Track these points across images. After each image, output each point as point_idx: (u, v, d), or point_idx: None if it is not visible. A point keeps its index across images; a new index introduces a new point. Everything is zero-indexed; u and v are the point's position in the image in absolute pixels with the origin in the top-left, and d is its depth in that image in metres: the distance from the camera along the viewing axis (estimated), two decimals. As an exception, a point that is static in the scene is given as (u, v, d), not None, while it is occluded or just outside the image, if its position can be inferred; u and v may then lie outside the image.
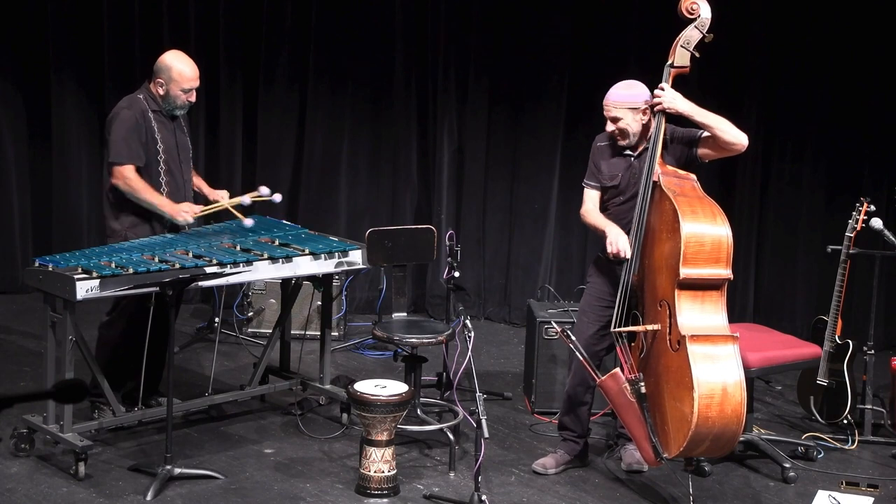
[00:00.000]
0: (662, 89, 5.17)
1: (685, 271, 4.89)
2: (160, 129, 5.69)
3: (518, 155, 8.10)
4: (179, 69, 5.68)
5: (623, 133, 5.29)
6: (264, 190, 5.97)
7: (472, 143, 8.12)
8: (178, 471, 5.19)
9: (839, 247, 6.06)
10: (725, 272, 4.96)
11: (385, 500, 5.17)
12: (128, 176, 5.54)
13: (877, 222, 5.97)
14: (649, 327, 5.06)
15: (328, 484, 5.31)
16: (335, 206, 8.17)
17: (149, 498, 5.04)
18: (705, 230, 4.92)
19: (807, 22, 7.61)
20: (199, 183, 6.02)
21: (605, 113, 5.31)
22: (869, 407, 6.07)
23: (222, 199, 5.89)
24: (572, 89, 7.94)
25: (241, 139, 8.14)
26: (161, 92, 5.68)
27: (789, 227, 7.89)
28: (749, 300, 7.90)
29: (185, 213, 5.62)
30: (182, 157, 5.80)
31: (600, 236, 5.35)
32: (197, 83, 5.75)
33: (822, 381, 6.11)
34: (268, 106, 8.09)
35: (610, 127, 5.30)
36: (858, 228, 6.02)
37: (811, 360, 5.94)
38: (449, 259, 6.09)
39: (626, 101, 5.26)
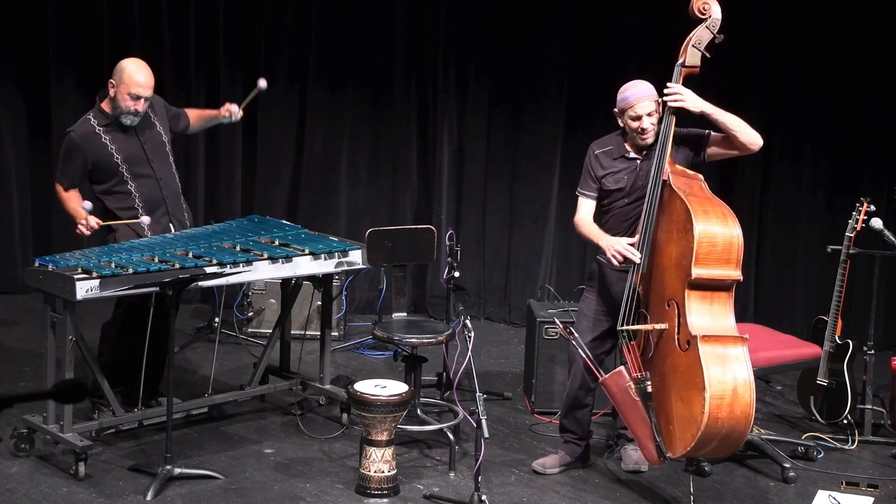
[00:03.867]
0: (680, 89, 5.13)
1: (697, 271, 4.89)
2: (114, 140, 5.71)
3: (518, 155, 8.10)
4: (131, 73, 5.66)
5: (654, 128, 5.22)
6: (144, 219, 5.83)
7: (472, 143, 8.12)
8: (178, 471, 5.19)
9: (839, 247, 6.06)
10: (736, 273, 4.96)
11: (385, 500, 5.17)
12: (57, 191, 5.80)
13: (877, 222, 5.97)
14: (657, 326, 5.06)
15: (328, 484, 5.31)
16: (335, 206, 8.16)
17: (149, 498, 5.04)
18: (717, 230, 4.92)
19: (807, 22, 7.61)
20: (205, 113, 6.18)
21: (635, 112, 5.21)
22: (869, 407, 6.07)
23: (229, 112, 6.08)
24: (572, 89, 7.94)
25: (241, 139, 8.13)
26: (111, 94, 5.69)
27: (789, 227, 7.89)
28: (749, 300, 7.90)
29: (82, 225, 5.58)
30: (151, 156, 5.78)
31: (594, 246, 5.36)
32: (147, 93, 5.68)
33: (822, 381, 6.11)
34: (268, 106, 8.08)
35: (646, 123, 5.21)
36: (858, 228, 6.02)
37: (811, 360, 5.95)
38: (449, 259, 6.09)
39: (652, 93, 5.24)
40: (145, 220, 5.69)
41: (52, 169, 8.07)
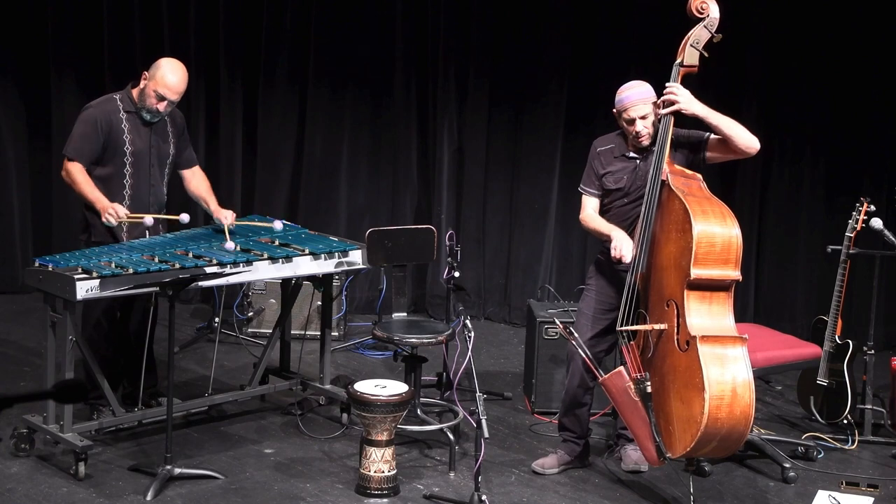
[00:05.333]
0: (677, 89, 5.13)
1: (696, 272, 4.89)
2: (131, 129, 5.65)
3: (518, 155, 8.09)
4: (165, 73, 5.59)
5: (648, 131, 5.23)
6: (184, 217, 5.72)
7: (472, 143, 8.12)
8: (178, 471, 5.19)
9: (839, 247, 6.06)
10: (735, 273, 4.96)
11: (385, 500, 5.17)
12: (69, 169, 5.62)
13: (877, 222, 5.97)
14: (656, 326, 5.06)
15: (328, 484, 5.31)
16: (335, 206, 8.17)
17: (149, 498, 5.04)
18: (716, 230, 4.92)
19: (807, 22, 7.61)
20: (206, 197, 5.92)
21: (629, 115, 5.21)
22: (869, 407, 6.07)
23: (226, 218, 5.79)
24: (572, 89, 7.94)
25: (241, 139, 8.14)
26: (141, 86, 5.63)
27: (789, 227, 7.89)
28: (749, 300, 7.90)
29: (111, 215, 5.48)
30: (154, 162, 5.72)
31: (604, 240, 5.34)
32: (174, 97, 5.62)
33: (822, 381, 6.11)
34: (268, 106, 8.09)
35: (639, 126, 5.21)
36: (858, 228, 6.02)
37: (811, 360, 5.95)
38: (449, 259, 6.09)
39: (648, 96, 5.23)
40: (148, 220, 5.60)
41: (52, 169, 8.13)
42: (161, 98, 5.60)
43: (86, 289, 5.07)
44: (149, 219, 5.63)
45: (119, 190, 5.65)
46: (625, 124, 5.28)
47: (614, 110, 5.31)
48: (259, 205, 8.02)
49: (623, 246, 5.16)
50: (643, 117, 5.22)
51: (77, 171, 5.59)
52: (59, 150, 8.04)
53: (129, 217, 5.58)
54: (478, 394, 4.92)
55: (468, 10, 7.98)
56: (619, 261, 5.18)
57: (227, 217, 5.83)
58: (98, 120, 5.62)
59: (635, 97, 5.23)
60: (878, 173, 7.66)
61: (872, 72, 7.58)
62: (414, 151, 8.18)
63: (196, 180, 6.00)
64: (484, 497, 4.99)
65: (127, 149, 5.64)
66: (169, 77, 5.60)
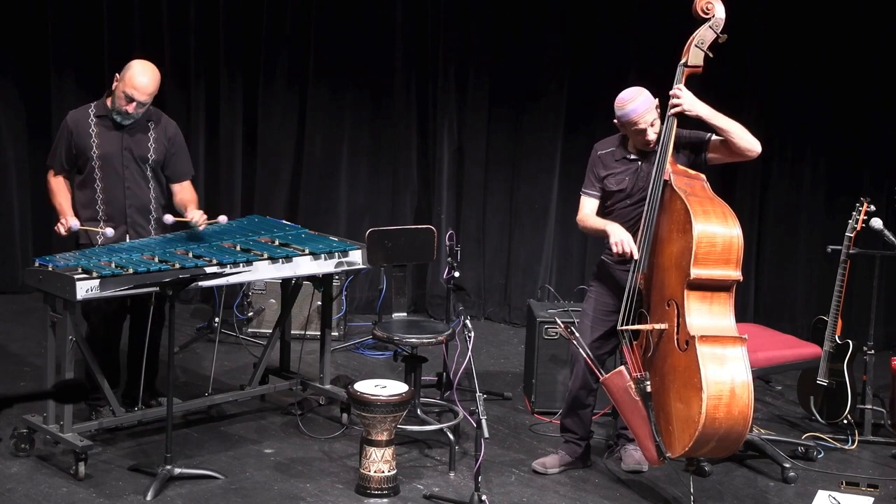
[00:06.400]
0: (680, 90, 5.14)
1: (696, 271, 4.89)
2: (99, 133, 5.59)
3: (518, 155, 8.10)
4: (134, 74, 5.52)
5: (657, 133, 5.21)
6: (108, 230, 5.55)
7: (472, 143, 8.12)
8: (178, 471, 5.19)
9: (839, 247, 6.06)
10: (735, 273, 4.96)
11: (385, 500, 5.17)
12: (48, 178, 5.71)
13: (877, 222, 5.97)
14: (657, 326, 5.06)
15: (328, 484, 5.31)
16: (335, 206, 8.16)
17: (149, 498, 5.04)
18: (717, 230, 4.92)
19: (807, 22, 7.61)
20: (188, 205, 5.76)
21: (639, 127, 5.18)
22: (869, 407, 6.07)
23: (192, 218, 5.70)
24: (572, 90, 7.94)
25: (241, 139, 8.13)
26: (113, 88, 5.60)
27: (789, 227, 7.89)
28: (749, 300, 7.90)
29: (62, 224, 5.49)
30: (127, 164, 5.61)
31: (602, 238, 5.33)
32: (143, 98, 5.50)
33: (822, 381, 6.11)
34: (268, 106, 8.09)
35: (650, 134, 5.19)
36: (858, 228, 6.02)
37: (811, 360, 5.95)
38: (449, 259, 6.09)
39: (651, 103, 5.20)
40: (108, 231, 5.51)
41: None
42: (130, 99, 5.51)
43: (86, 289, 5.07)
44: (108, 230, 5.53)
45: (91, 194, 5.63)
46: (634, 134, 5.25)
47: (617, 122, 5.27)
48: (259, 205, 8.01)
49: (624, 242, 5.15)
50: (652, 123, 5.21)
51: (51, 180, 5.69)
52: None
53: (81, 227, 5.53)
54: (478, 394, 4.92)
55: (468, 10, 7.98)
56: (623, 256, 5.16)
57: (197, 216, 5.72)
58: (67, 126, 5.67)
59: (642, 108, 5.19)
60: (878, 173, 7.66)
61: (872, 72, 7.58)
62: (414, 151, 8.18)
63: (183, 193, 5.84)
64: (484, 497, 4.99)
65: (94, 153, 5.59)
66: (138, 78, 5.52)
